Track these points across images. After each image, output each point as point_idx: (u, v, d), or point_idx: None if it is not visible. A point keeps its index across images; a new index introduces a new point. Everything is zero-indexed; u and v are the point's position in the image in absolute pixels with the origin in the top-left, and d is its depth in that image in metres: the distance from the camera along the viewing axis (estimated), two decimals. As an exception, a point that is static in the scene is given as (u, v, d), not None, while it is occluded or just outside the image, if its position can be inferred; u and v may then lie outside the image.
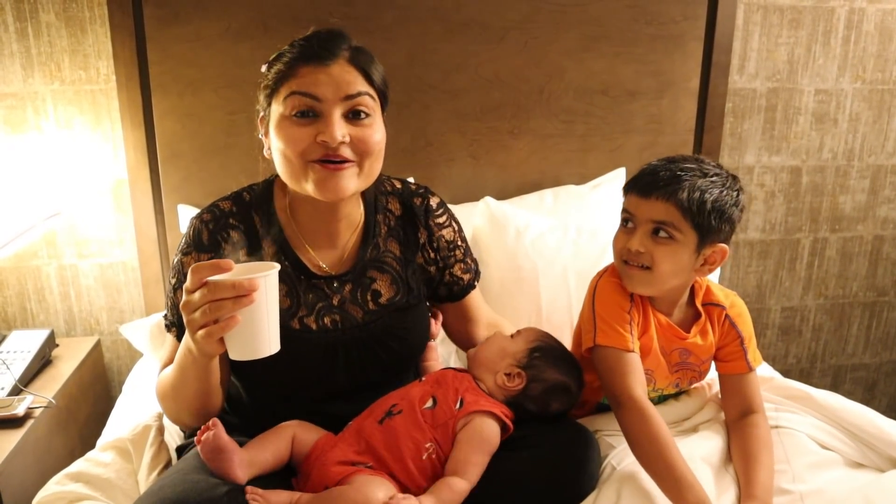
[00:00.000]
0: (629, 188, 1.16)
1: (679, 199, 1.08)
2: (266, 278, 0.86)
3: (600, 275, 1.22)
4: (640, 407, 1.06)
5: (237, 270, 0.87)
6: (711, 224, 1.09)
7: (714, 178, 1.10)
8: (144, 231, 1.76)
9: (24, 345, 1.63)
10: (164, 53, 1.65)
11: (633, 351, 1.12)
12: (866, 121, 2.09)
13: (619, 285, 1.18)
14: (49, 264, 1.84)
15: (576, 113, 1.86)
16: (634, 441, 1.05)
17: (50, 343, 1.69)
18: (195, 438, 0.98)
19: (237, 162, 1.73)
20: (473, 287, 1.28)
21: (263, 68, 1.07)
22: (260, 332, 0.87)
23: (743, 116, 2.03)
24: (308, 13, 1.68)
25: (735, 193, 1.11)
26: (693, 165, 1.11)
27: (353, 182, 1.04)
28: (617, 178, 1.85)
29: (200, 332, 0.87)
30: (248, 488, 0.93)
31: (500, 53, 1.78)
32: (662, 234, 1.10)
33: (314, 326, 1.11)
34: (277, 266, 0.89)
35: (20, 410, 1.41)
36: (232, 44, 1.67)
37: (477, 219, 1.67)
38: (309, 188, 1.04)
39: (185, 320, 0.89)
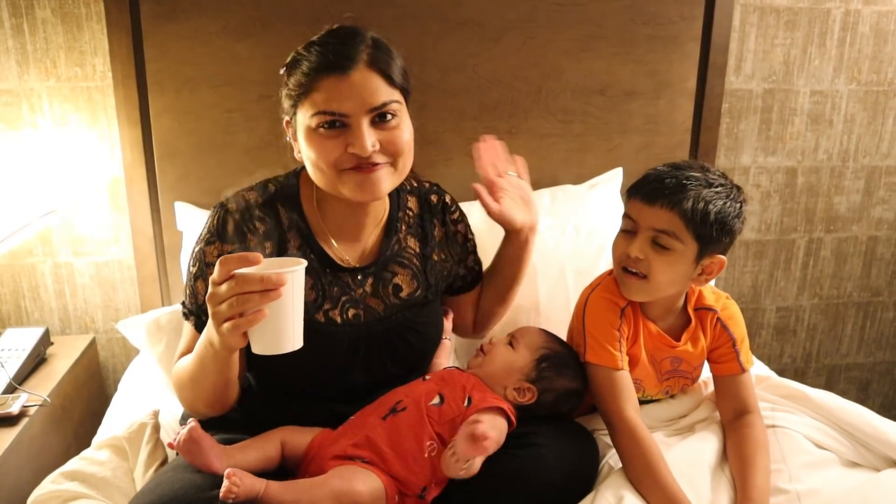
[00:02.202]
0: (633, 193, 1.15)
1: (683, 209, 1.07)
2: (293, 274, 0.86)
3: (592, 287, 1.22)
4: (630, 429, 1.09)
5: (264, 265, 0.87)
6: (713, 235, 1.09)
7: (719, 189, 1.09)
8: (140, 229, 1.76)
9: (19, 343, 1.63)
10: (160, 51, 1.64)
11: (622, 369, 1.14)
12: (861, 122, 2.10)
13: (609, 301, 1.17)
14: (44, 262, 1.83)
15: (573, 113, 1.86)
16: (626, 462, 1.08)
17: (45, 341, 1.68)
18: (169, 443, 0.98)
19: (234, 160, 1.73)
20: (483, 276, 1.34)
21: (282, 71, 1.07)
22: (285, 328, 0.88)
23: (739, 117, 2.03)
24: (306, 11, 1.67)
25: (738, 206, 1.11)
26: (698, 174, 1.10)
27: (388, 181, 1.06)
28: (614, 178, 1.85)
29: (226, 325, 0.86)
30: (230, 470, 0.92)
31: (498, 53, 1.78)
32: (663, 242, 1.10)
33: (339, 320, 1.11)
34: (304, 262, 0.89)
35: (15, 409, 1.41)
36: (230, 41, 1.66)
37: (475, 218, 1.66)
38: (346, 192, 1.05)
39: (210, 312, 0.88)
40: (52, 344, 1.73)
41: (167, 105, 1.68)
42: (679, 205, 1.07)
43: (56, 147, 1.74)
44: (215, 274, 0.86)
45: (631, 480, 1.05)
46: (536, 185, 1.87)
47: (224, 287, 0.85)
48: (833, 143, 2.11)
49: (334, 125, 1.01)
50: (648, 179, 1.13)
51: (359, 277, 1.14)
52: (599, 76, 1.84)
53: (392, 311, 1.14)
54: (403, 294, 1.16)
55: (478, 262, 1.33)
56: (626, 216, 1.16)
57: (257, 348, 0.89)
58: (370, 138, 1.00)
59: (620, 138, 1.90)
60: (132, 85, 1.65)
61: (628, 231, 1.15)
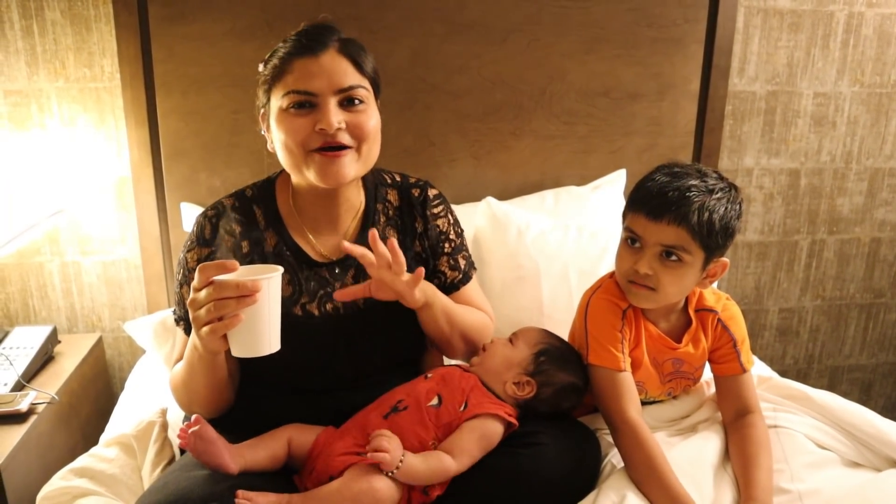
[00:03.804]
0: (636, 208, 1.12)
1: (690, 224, 1.06)
2: (269, 280, 0.90)
3: (593, 290, 1.22)
4: (633, 430, 1.09)
5: (243, 271, 0.91)
6: (719, 242, 1.09)
7: (720, 195, 1.09)
8: (147, 229, 1.77)
9: (27, 341, 1.64)
10: (168, 52, 1.66)
11: (624, 370, 1.14)
12: (864, 124, 2.11)
13: (611, 303, 1.18)
14: (52, 261, 1.84)
15: (577, 114, 1.87)
16: (629, 463, 1.08)
17: (52, 339, 1.69)
18: (179, 441, 0.99)
19: (240, 160, 1.74)
20: (456, 288, 1.24)
21: (260, 67, 1.12)
22: (261, 331, 0.91)
23: (742, 119, 2.04)
24: (312, 13, 1.66)
25: (738, 206, 1.11)
26: (698, 181, 1.09)
27: (352, 167, 1.08)
28: (617, 180, 1.86)
29: (205, 329, 0.90)
30: (239, 492, 0.94)
31: (502, 55, 1.79)
32: (672, 257, 1.10)
33: (316, 313, 1.13)
34: (281, 269, 0.92)
35: (23, 406, 1.42)
36: (236, 43, 1.67)
37: (478, 219, 1.68)
38: (311, 176, 1.07)
39: (191, 317, 0.92)
40: (59, 342, 1.75)
41: (174, 106, 1.69)
42: (686, 218, 1.06)
43: (64, 147, 1.76)
44: (195, 280, 0.91)
45: (634, 481, 1.06)
46: (540, 187, 1.89)
47: (203, 293, 0.89)
48: (836, 145, 2.12)
49: (304, 105, 1.05)
50: (650, 194, 1.10)
51: (337, 271, 1.16)
52: (603, 78, 1.85)
53: (372, 302, 1.14)
54: None
55: (454, 268, 1.24)
56: (629, 230, 1.14)
57: (236, 351, 0.93)
58: (336, 116, 1.04)
59: (624, 140, 1.91)
60: (140, 86, 1.67)
61: (634, 246, 1.14)
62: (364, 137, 1.08)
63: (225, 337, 0.92)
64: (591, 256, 1.59)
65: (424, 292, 1.09)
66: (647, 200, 1.11)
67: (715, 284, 1.59)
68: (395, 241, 1.02)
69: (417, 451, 1.03)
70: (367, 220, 1.19)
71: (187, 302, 0.92)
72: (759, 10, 1.95)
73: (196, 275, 0.90)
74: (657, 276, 1.11)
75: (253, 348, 0.92)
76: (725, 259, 1.14)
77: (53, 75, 1.71)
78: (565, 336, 1.28)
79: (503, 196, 1.80)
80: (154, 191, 1.74)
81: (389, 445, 0.97)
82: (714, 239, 1.08)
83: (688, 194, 1.07)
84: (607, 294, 1.19)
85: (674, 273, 1.11)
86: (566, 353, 1.17)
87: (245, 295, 0.87)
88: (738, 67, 1.98)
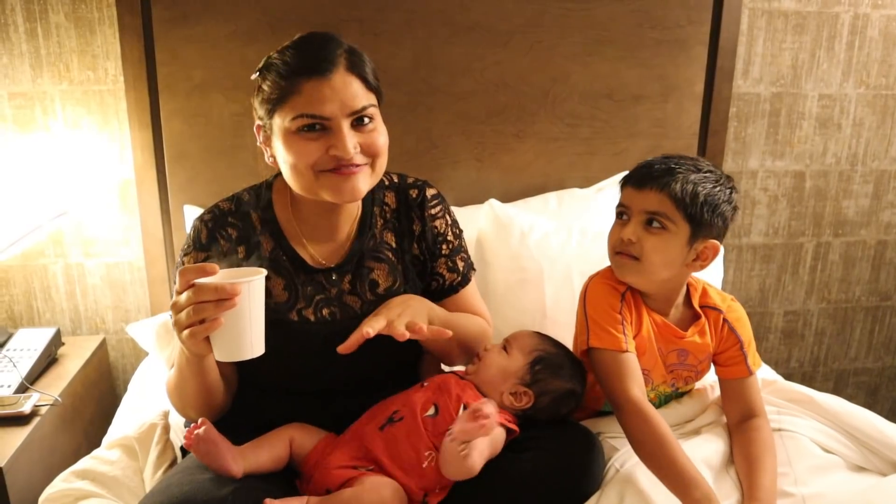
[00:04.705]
0: (625, 182, 1.19)
1: (672, 190, 1.10)
2: (250, 284, 0.89)
3: (591, 277, 1.23)
4: (639, 409, 1.07)
5: (226, 274, 0.90)
6: (703, 216, 1.11)
7: (707, 174, 1.13)
8: (150, 231, 1.77)
9: (31, 343, 1.64)
10: (171, 55, 1.66)
11: (627, 351, 1.13)
12: (870, 126, 2.10)
13: (609, 286, 1.18)
14: (55, 263, 1.85)
15: (580, 116, 1.86)
16: (637, 442, 1.07)
17: (56, 341, 1.70)
18: (184, 441, 0.99)
19: (243, 162, 1.74)
20: (455, 291, 1.23)
21: (254, 76, 1.09)
22: (243, 335, 0.90)
23: (747, 121, 2.03)
24: (315, 15, 1.69)
25: (728, 192, 1.14)
26: (688, 162, 1.14)
27: (366, 182, 1.08)
28: (621, 182, 1.86)
29: (185, 332, 0.90)
30: (267, 501, 0.94)
31: (505, 57, 1.79)
32: (655, 224, 1.12)
33: (312, 318, 1.13)
34: (264, 272, 0.91)
35: (26, 408, 1.42)
36: (239, 45, 1.68)
37: (481, 221, 1.68)
38: (324, 194, 1.06)
39: (172, 320, 0.92)
40: (63, 344, 1.75)
41: (177, 108, 1.70)
42: (668, 186, 1.11)
43: (68, 149, 1.76)
44: (177, 284, 0.90)
45: (642, 459, 1.05)
46: (543, 189, 1.89)
47: (183, 296, 0.89)
48: (841, 147, 2.11)
49: (314, 128, 1.02)
50: (639, 167, 1.17)
51: (333, 277, 1.15)
52: (607, 80, 1.85)
53: (369, 307, 1.13)
54: (380, 289, 1.16)
55: (452, 270, 1.23)
56: (619, 206, 1.19)
57: (219, 355, 0.92)
58: (352, 140, 1.02)
59: (627, 142, 1.90)
60: (143, 88, 1.67)
61: (621, 218, 1.18)
62: (377, 154, 1.07)
63: (208, 340, 0.91)
64: (595, 259, 1.58)
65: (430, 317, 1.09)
66: (634, 173, 1.17)
67: (719, 285, 1.59)
68: (368, 331, 1.00)
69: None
70: (364, 225, 1.18)
71: (170, 305, 0.92)
72: (763, 12, 1.94)
73: (178, 278, 0.90)
74: (640, 243, 1.13)
75: (235, 352, 0.91)
76: (716, 242, 1.14)
77: (57, 78, 1.72)
78: (569, 338, 1.28)
79: (506, 198, 1.79)
80: (157, 193, 1.75)
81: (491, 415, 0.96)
82: (698, 211, 1.10)
83: (673, 166, 1.12)
84: (605, 278, 1.20)
85: (657, 239, 1.12)
86: (561, 359, 1.15)
87: (224, 298, 0.86)
88: (742, 69, 1.98)
